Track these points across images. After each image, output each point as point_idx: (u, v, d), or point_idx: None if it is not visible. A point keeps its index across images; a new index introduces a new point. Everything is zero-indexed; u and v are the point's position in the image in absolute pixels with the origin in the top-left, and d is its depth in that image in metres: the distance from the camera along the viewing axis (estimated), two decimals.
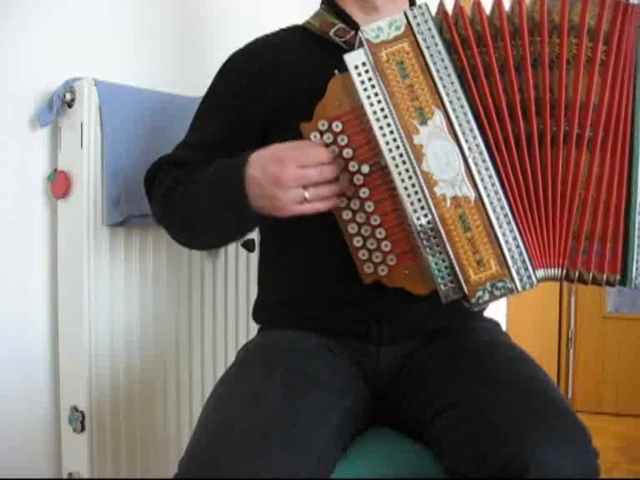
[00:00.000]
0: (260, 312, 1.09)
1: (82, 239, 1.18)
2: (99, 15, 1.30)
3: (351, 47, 0.92)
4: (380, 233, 0.87)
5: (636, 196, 0.83)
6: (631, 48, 0.83)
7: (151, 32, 1.40)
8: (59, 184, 1.20)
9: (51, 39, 1.23)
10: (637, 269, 0.84)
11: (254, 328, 1.11)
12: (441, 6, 0.83)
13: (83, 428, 1.18)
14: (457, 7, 0.83)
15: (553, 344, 3.06)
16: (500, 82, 0.83)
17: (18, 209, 1.20)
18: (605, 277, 0.84)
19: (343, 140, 0.86)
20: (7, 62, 1.18)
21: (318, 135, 0.87)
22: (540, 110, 0.83)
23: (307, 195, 0.84)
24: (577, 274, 0.85)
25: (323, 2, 1.10)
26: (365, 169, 0.86)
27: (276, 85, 1.01)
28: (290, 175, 0.83)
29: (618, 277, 0.85)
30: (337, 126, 0.86)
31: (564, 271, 0.85)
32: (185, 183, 0.97)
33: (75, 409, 1.19)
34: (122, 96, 1.22)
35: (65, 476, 1.22)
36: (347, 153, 0.86)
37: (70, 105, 1.19)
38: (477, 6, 0.83)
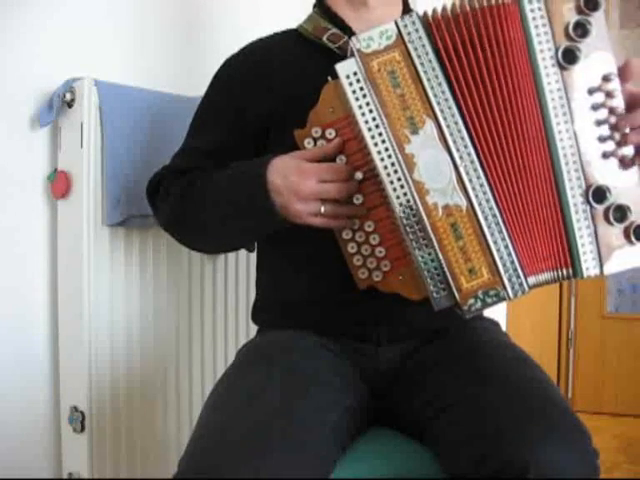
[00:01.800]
0: (259, 314, 1.09)
1: (82, 239, 1.18)
2: (99, 15, 1.31)
3: (344, 53, 0.92)
4: (374, 239, 0.87)
5: (565, 192, 0.82)
6: (523, 45, 0.82)
7: (151, 32, 1.40)
8: (59, 184, 1.20)
9: (51, 39, 1.23)
10: (586, 260, 0.83)
11: (254, 328, 1.11)
12: (425, 17, 0.83)
13: (83, 428, 1.18)
14: (436, 18, 0.82)
15: (553, 344, 3.06)
16: (483, 91, 0.82)
17: (18, 209, 1.20)
18: (564, 271, 0.84)
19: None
20: (7, 62, 1.18)
21: (312, 142, 0.87)
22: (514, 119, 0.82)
23: (323, 210, 0.86)
24: (565, 273, 0.85)
25: (315, 5, 1.10)
26: (359, 176, 0.86)
27: (272, 89, 1.01)
28: (309, 188, 0.85)
29: (571, 270, 0.84)
30: (330, 133, 0.87)
31: (556, 273, 0.85)
32: (198, 189, 0.97)
33: (75, 409, 1.19)
34: (122, 96, 1.22)
35: (65, 476, 1.22)
36: (340, 160, 0.87)
37: (70, 105, 1.19)
38: (456, 17, 0.82)
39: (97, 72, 1.22)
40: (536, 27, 0.82)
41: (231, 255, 1.44)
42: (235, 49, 1.09)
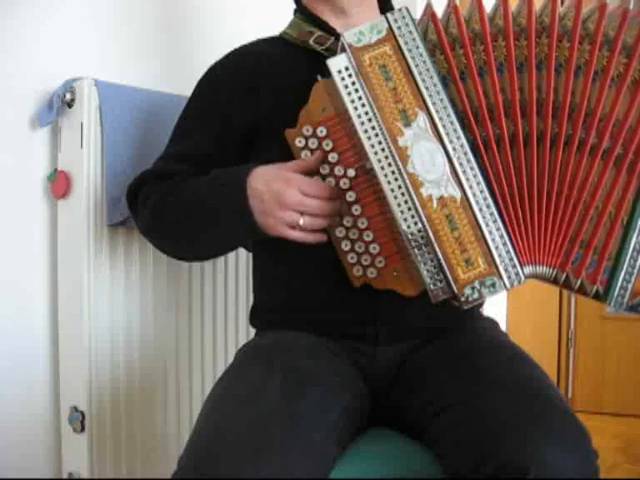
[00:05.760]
0: (256, 317, 1.09)
1: (82, 239, 1.18)
2: (99, 15, 1.31)
3: (332, 54, 0.92)
4: (368, 236, 0.88)
5: (639, 215, 0.82)
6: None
7: (151, 32, 1.40)
8: (59, 184, 1.20)
9: (51, 39, 1.23)
10: (620, 289, 0.82)
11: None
12: (428, 8, 0.83)
13: (83, 428, 1.18)
14: (451, 6, 0.83)
15: (553, 344, 3.06)
16: (498, 81, 0.83)
17: (18, 209, 1.20)
18: (595, 289, 0.83)
19: (328, 145, 0.87)
20: (7, 62, 1.18)
21: (303, 140, 0.88)
22: (541, 111, 0.83)
23: (302, 222, 0.86)
24: (564, 278, 0.84)
25: (297, 11, 1.10)
26: (351, 173, 0.87)
27: (258, 95, 1.01)
28: (292, 197, 0.85)
29: (601, 289, 0.83)
30: (321, 131, 0.87)
31: (553, 271, 0.85)
32: (176, 193, 0.97)
33: (75, 409, 1.19)
34: (122, 96, 1.22)
35: (65, 476, 1.22)
36: (332, 158, 0.87)
37: (70, 105, 1.19)
38: (478, 4, 0.83)
39: (97, 72, 1.22)
40: None
41: (231, 255, 1.44)
42: (236, 47, 1.09)
